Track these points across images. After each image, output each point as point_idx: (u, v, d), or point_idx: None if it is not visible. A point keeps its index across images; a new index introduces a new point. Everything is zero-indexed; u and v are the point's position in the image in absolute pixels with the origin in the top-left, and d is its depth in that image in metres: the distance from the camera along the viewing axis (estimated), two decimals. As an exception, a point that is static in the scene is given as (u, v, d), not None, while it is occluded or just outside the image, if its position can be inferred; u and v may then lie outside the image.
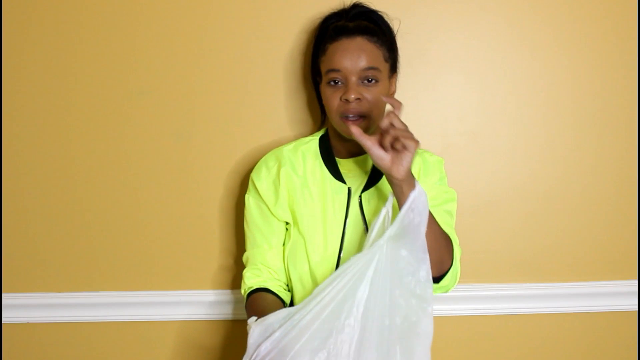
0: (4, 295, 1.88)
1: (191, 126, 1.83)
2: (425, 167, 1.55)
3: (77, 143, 1.84)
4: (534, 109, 1.82)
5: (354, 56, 1.46)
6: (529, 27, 1.80)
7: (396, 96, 1.78)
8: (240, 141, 1.82)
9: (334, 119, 1.50)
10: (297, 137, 1.75)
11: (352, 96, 1.45)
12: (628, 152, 1.83)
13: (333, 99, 1.48)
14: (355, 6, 1.60)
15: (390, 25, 1.59)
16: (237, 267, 1.85)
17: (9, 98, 1.83)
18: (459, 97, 1.82)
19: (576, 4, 1.80)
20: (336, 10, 1.60)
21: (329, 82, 1.49)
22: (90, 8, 1.80)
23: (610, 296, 1.85)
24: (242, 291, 1.56)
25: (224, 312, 1.88)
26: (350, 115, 1.47)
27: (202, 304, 1.87)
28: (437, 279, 1.45)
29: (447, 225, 1.52)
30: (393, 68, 1.56)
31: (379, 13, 1.58)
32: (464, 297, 1.83)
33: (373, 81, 1.47)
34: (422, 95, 1.81)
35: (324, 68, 1.51)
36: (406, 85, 1.80)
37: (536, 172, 1.83)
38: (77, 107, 1.83)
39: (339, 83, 1.48)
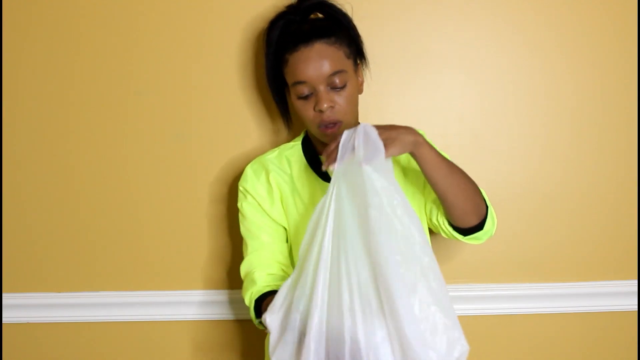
0: (4, 295, 1.88)
1: (190, 126, 1.82)
2: None
3: (77, 143, 1.84)
4: (534, 109, 1.82)
5: (316, 65, 1.42)
6: (530, 27, 1.80)
7: (397, 96, 1.79)
8: (241, 138, 1.82)
9: (312, 128, 1.48)
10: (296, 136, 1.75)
11: (325, 105, 1.42)
12: (628, 152, 1.83)
13: (306, 111, 1.46)
14: (302, 1, 1.52)
15: (344, 11, 1.53)
16: (237, 267, 1.84)
17: (9, 98, 1.83)
18: (459, 97, 1.82)
19: (576, 4, 1.80)
20: (284, 9, 1.53)
21: (298, 96, 1.46)
22: (88, 8, 1.80)
23: (610, 296, 1.85)
24: (249, 294, 1.49)
25: (224, 312, 1.87)
26: (327, 124, 1.44)
27: (202, 304, 1.87)
28: (480, 225, 1.45)
29: None
30: (356, 59, 1.52)
31: (329, 3, 1.52)
32: (464, 297, 1.83)
33: (341, 85, 1.44)
34: (422, 95, 1.81)
35: (289, 80, 1.47)
36: (406, 85, 1.80)
37: (536, 172, 1.83)
38: (76, 108, 1.83)
39: (309, 94, 1.45)
